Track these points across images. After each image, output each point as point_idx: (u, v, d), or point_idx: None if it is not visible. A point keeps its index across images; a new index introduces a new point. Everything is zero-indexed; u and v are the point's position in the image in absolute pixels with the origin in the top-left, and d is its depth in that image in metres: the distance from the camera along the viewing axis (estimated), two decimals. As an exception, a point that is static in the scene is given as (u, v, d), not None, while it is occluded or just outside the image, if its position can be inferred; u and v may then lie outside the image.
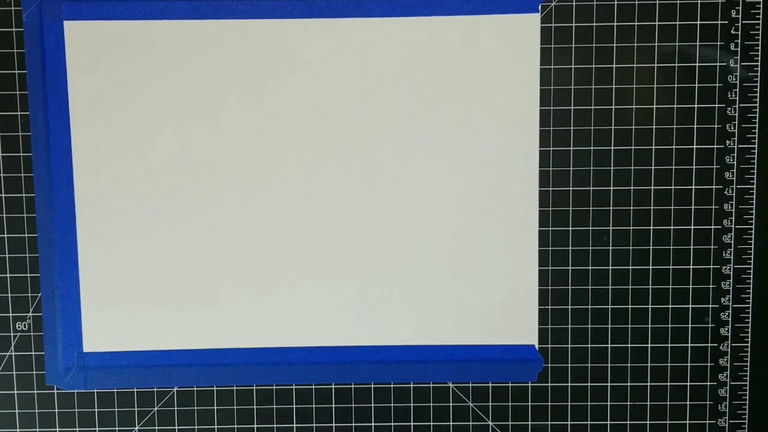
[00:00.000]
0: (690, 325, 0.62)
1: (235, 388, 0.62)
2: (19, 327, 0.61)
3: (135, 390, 0.62)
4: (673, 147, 0.61)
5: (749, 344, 0.62)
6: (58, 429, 0.61)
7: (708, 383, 0.62)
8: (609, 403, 0.62)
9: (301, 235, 0.61)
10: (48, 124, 0.60)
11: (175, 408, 0.62)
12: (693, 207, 0.61)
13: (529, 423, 0.63)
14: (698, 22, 0.60)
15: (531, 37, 0.60)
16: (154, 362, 0.62)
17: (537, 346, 0.62)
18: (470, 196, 0.61)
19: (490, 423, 0.63)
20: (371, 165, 0.61)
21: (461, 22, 0.60)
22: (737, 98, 0.60)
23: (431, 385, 0.62)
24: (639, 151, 0.61)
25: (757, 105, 0.60)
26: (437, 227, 0.61)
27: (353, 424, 0.63)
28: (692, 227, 0.61)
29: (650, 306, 0.62)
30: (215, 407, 0.62)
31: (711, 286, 0.62)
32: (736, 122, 0.61)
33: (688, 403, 0.62)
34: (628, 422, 0.62)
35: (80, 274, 0.61)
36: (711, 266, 0.62)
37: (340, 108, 0.60)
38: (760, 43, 0.60)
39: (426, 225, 0.61)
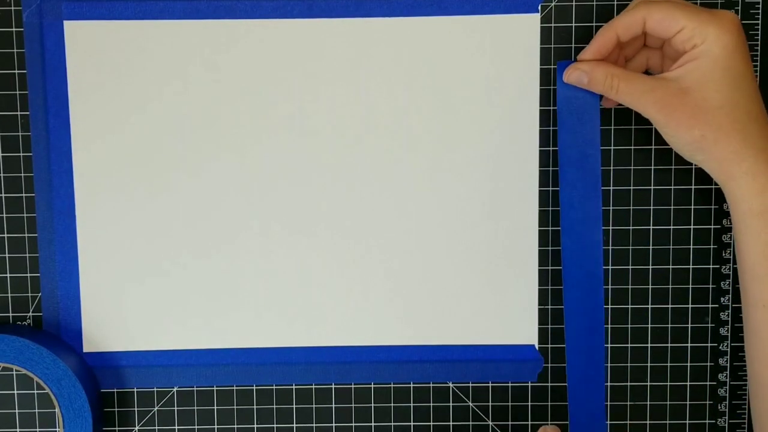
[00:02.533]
0: (690, 325, 0.62)
1: (235, 388, 0.62)
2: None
3: (135, 390, 0.62)
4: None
5: (749, 344, 0.62)
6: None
7: (708, 383, 0.62)
8: (609, 403, 0.62)
9: (302, 236, 0.61)
10: (48, 124, 0.60)
11: (175, 408, 0.62)
12: (693, 207, 0.61)
13: (529, 423, 0.63)
14: (698, 22, 0.60)
15: (531, 37, 0.60)
16: (154, 362, 0.62)
17: (537, 346, 0.62)
18: (470, 196, 0.61)
19: (490, 423, 0.63)
20: (371, 165, 0.61)
21: (461, 22, 0.60)
22: (737, 98, 0.60)
23: (431, 384, 0.62)
24: (639, 151, 0.61)
25: (757, 105, 0.60)
26: (437, 227, 0.61)
27: (353, 424, 0.63)
28: (692, 227, 0.61)
29: (650, 306, 0.62)
30: (215, 407, 0.62)
31: (711, 286, 0.62)
32: (736, 122, 0.61)
33: (688, 403, 0.62)
34: (628, 422, 0.62)
35: (80, 274, 0.61)
36: (711, 266, 0.62)
37: (340, 108, 0.60)
38: (759, 43, 0.60)
39: (426, 225, 0.61)
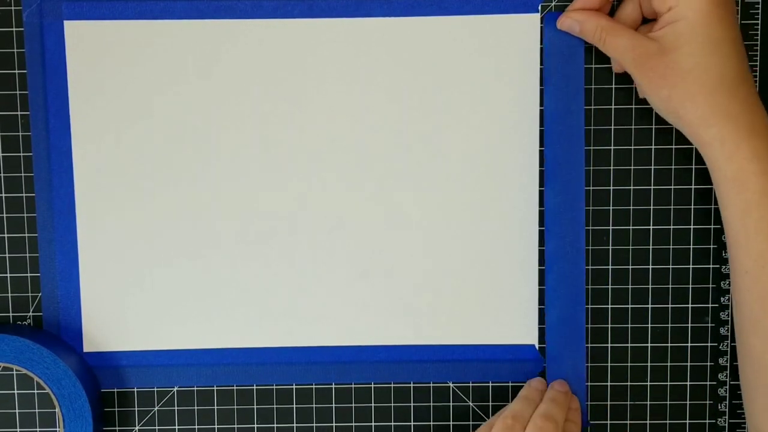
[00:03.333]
0: (690, 325, 0.62)
1: (235, 387, 0.62)
2: (19, 327, 0.62)
3: (135, 390, 0.62)
4: (673, 146, 0.61)
5: (749, 344, 0.62)
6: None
7: (708, 383, 0.62)
8: (609, 403, 0.62)
9: (302, 236, 0.61)
10: (48, 124, 0.60)
11: (176, 408, 0.62)
12: (692, 206, 0.61)
13: (529, 423, 0.63)
14: (698, 22, 0.60)
15: (531, 37, 0.60)
16: (154, 362, 0.62)
17: (537, 346, 0.62)
18: (470, 196, 0.61)
19: (490, 423, 0.63)
20: (371, 164, 0.61)
21: (461, 22, 0.60)
22: (737, 98, 0.60)
23: (431, 384, 0.62)
24: (638, 151, 0.61)
25: (757, 105, 0.60)
26: (438, 227, 0.61)
27: (353, 424, 0.63)
28: (692, 227, 0.61)
29: (650, 305, 0.62)
30: (215, 407, 0.62)
31: (711, 286, 0.62)
32: (736, 122, 0.61)
33: (688, 402, 0.62)
34: (628, 422, 0.63)
35: (80, 273, 0.61)
36: (711, 266, 0.62)
37: (340, 107, 0.60)
38: (758, 42, 0.60)
39: (426, 225, 0.61)
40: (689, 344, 0.62)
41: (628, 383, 0.62)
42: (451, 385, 0.62)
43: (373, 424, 0.63)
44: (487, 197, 0.61)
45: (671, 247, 0.61)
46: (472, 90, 0.60)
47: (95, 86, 0.60)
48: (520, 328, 0.62)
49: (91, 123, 0.60)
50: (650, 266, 0.61)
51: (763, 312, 0.53)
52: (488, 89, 0.60)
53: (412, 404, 0.63)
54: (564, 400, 0.59)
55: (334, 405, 0.62)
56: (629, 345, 0.62)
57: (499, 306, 0.62)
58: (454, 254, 0.61)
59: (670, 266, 0.61)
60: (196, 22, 0.60)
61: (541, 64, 0.60)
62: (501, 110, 0.60)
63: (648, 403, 0.62)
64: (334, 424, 0.63)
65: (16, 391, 0.62)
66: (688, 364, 0.62)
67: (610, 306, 0.62)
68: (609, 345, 0.62)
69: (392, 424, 0.63)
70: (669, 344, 0.62)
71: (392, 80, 0.60)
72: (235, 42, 0.60)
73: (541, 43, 0.60)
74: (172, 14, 0.60)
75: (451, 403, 0.63)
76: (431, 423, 0.63)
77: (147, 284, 0.61)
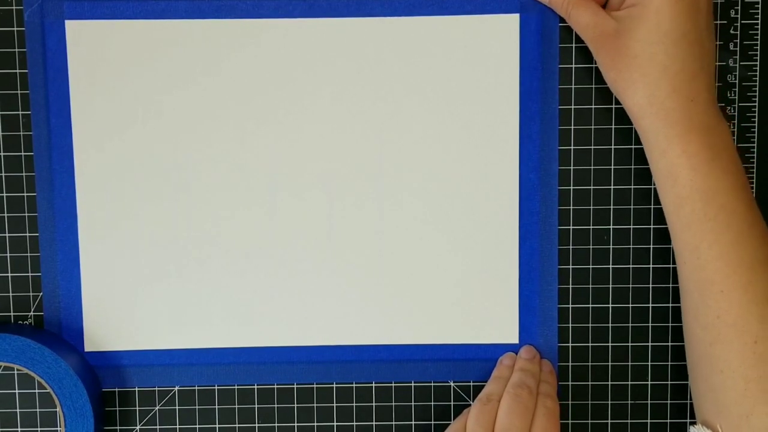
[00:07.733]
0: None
1: (236, 387, 0.62)
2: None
3: (136, 389, 0.62)
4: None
5: (749, 342, 0.62)
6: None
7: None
8: (609, 402, 0.63)
9: (302, 236, 0.61)
10: (49, 124, 0.60)
11: (176, 407, 0.62)
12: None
13: (530, 421, 0.63)
14: (698, 22, 0.60)
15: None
16: (155, 361, 0.62)
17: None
18: (472, 196, 0.61)
19: (491, 422, 0.63)
20: (372, 164, 0.61)
21: (463, 21, 0.60)
22: (736, 97, 0.61)
23: (432, 383, 0.63)
24: (639, 150, 0.61)
25: (756, 104, 0.61)
26: (439, 226, 0.61)
27: (354, 423, 0.63)
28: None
29: (650, 305, 0.62)
30: (216, 406, 0.62)
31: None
32: (736, 121, 0.61)
33: (688, 401, 0.62)
34: (629, 421, 0.63)
35: (81, 273, 0.61)
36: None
37: (340, 107, 0.60)
38: (758, 42, 0.60)
39: (428, 224, 0.61)
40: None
41: (629, 382, 0.62)
42: (452, 384, 0.63)
43: (374, 423, 0.63)
44: (489, 197, 0.61)
45: (672, 246, 0.61)
46: (474, 90, 0.60)
47: (96, 86, 0.60)
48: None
49: (92, 122, 0.60)
50: (651, 265, 0.62)
51: (702, 301, 0.54)
52: (491, 89, 0.60)
53: (413, 403, 0.63)
54: (532, 366, 0.60)
55: (335, 404, 0.63)
56: (629, 344, 0.62)
57: (501, 305, 0.62)
58: (455, 253, 0.61)
59: (671, 265, 0.61)
60: (197, 21, 0.60)
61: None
62: (504, 110, 0.60)
63: (648, 402, 0.62)
64: (335, 424, 0.63)
65: (17, 391, 0.62)
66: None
67: (610, 305, 0.62)
68: (609, 344, 0.62)
69: (393, 423, 0.63)
70: (669, 343, 0.62)
71: (393, 80, 0.60)
72: (235, 42, 0.60)
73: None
74: (173, 14, 0.60)
75: (452, 402, 0.63)
76: (432, 422, 0.63)
77: (148, 283, 0.61)
